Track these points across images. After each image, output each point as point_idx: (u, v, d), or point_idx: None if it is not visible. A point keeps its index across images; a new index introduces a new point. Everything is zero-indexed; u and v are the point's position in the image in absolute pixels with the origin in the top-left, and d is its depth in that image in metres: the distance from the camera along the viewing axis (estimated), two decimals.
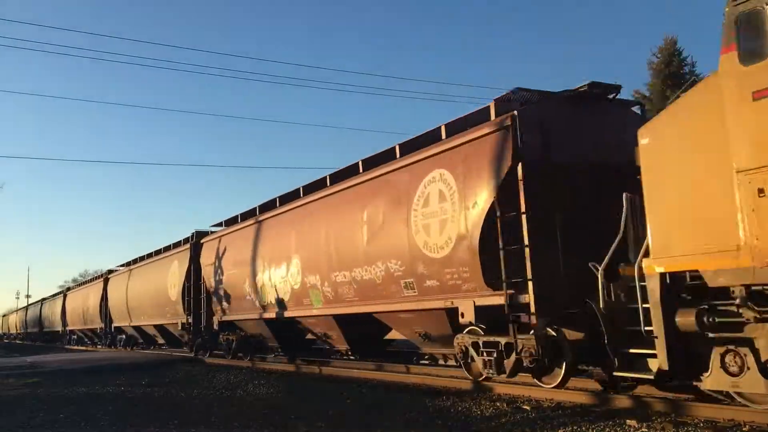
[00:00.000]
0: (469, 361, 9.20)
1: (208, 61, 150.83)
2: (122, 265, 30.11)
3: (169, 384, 12.55)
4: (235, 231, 17.19)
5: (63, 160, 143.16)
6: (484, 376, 9.02)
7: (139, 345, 28.49)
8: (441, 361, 11.87)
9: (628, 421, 6.37)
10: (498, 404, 7.94)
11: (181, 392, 10.98)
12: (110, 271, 31.51)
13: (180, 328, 20.67)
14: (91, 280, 35.66)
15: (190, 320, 19.76)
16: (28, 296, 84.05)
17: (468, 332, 9.12)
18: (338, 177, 12.90)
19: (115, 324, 29.55)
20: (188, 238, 21.01)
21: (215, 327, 18.23)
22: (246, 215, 17.02)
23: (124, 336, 29.13)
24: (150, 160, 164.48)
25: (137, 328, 26.55)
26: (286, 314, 14.23)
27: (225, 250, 17.49)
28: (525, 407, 7.62)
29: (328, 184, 13.13)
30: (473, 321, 8.82)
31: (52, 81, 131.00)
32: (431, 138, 10.14)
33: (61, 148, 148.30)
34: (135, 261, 27.29)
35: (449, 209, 9.17)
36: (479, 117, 9.27)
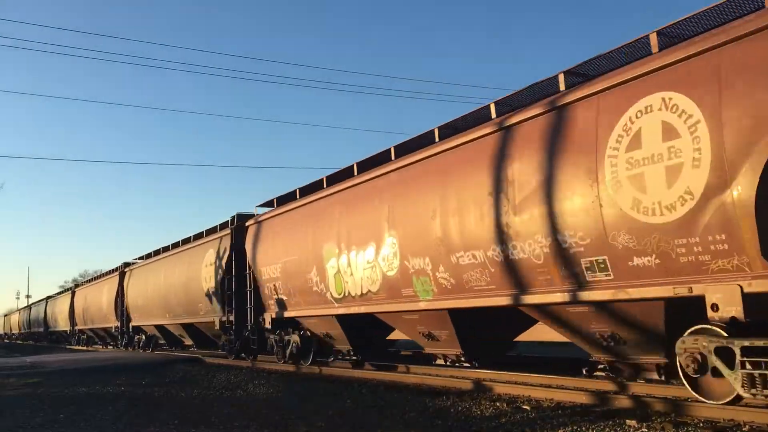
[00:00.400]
0: (705, 374, 6.32)
1: (208, 61, 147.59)
2: (141, 258, 27.15)
3: (170, 384, 12.46)
4: (292, 210, 14.22)
5: (63, 160, 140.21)
6: (741, 400, 6.14)
7: (161, 347, 25.52)
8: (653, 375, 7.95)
9: (628, 421, 6.29)
10: (498, 404, 7.90)
11: (181, 392, 10.93)
12: (127, 264, 28.47)
13: (217, 327, 17.72)
14: (104, 275, 32.50)
15: (232, 318, 16.80)
16: (28, 296, 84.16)
17: (701, 333, 6.27)
18: (453, 129, 9.97)
19: (133, 323, 26.53)
20: (227, 222, 18.06)
21: (267, 325, 15.26)
22: (308, 189, 14.06)
23: (143, 336, 26.15)
24: (150, 160, 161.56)
25: (160, 328, 23.57)
26: (372, 309, 11.31)
27: (279, 232, 14.52)
28: (525, 407, 7.54)
29: (438, 139, 10.18)
30: (739, 315, 5.83)
31: (52, 81, 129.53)
32: (638, 50, 7.20)
33: (61, 148, 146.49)
34: (158, 252, 24.28)
35: (686, 149, 6.20)
36: None
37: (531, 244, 7.92)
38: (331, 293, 12.47)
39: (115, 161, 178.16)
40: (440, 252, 9.45)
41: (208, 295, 18.10)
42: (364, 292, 11.44)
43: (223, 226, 18.29)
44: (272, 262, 14.60)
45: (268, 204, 15.98)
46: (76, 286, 41.08)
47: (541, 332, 10.39)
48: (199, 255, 19.18)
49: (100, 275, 33.80)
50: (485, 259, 8.63)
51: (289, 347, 14.71)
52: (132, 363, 18.06)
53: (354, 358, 13.49)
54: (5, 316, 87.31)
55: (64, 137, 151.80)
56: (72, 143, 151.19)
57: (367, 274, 11.25)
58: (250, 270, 16.01)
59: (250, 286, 16.08)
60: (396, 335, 12.54)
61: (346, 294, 11.97)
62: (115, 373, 15.18)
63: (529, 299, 8.17)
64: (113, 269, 30.50)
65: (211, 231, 19.27)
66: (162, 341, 24.76)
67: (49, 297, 51.15)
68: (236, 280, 16.66)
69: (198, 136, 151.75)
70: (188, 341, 22.43)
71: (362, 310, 11.60)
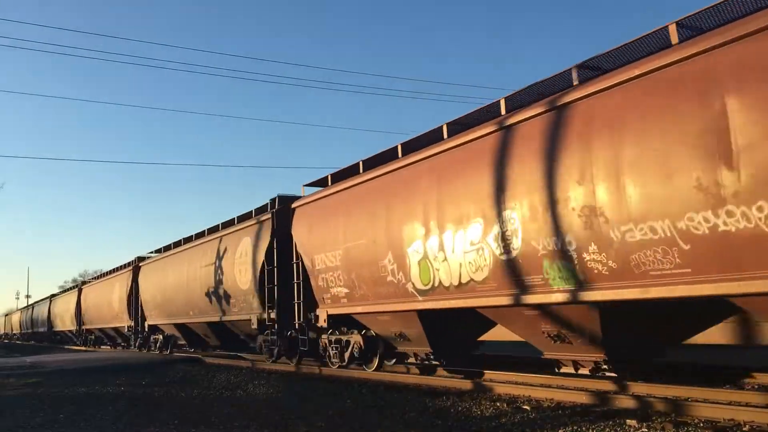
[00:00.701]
0: None
1: (207, 61, 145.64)
2: (157, 251, 24.83)
3: (169, 384, 12.39)
4: (354, 186, 11.94)
5: (63, 160, 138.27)
6: None
7: (180, 347, 23.22)
8: None
9: (628, 421, 6.26)
10: (498, 404, 7.85)
11: (181, 392, 10.89)
12: (141, 258, 26.08)
13: (254, 326, 15.43)
14: (115, 270, 29.91)
15: (273, 315, 14.51)
16: (27, 296, 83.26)
17: None
18: (602, 63, 7.71)
19: (149, 322, 24.13)
20: (266, 205, 15.80)
21: (321, 323, 12.97)
22: (375, 161, 11.80)
23: (160, 336, 23.80)
24: (150, 160, 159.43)
25: (181, 327, 21.27)
26: (477, 302, 9.03)
27: (338, 214, 12.25)
28: (525, 407, 7.48)
29: (576, 81, 7.91)
30: None
31: (53, 81, 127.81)
32: None
33: (61, 148, 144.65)
34: (178, 243, 21.96)
35: None
36: None
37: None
38: (412, 284, 10.19)
39: (115, 161, 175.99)
40: (591, 226, 7.17)
41: (242, 289, 15.82)
42: (463, 281, 9.15)
43: (261, 210, 16.01)
44: (330, 249, 12.31)
45: (320, 183, 13.71)
46: (84, 283, 38.41)
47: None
48: (230, 244, 16.88)
49: (111, 271, 31.23)
50: (676, 232, 6.35)
51: (350, 349, 12.44)
52: (132, 363, 17.88)
53: (432, 362, 11.21)
54: (6, 315, 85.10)
55: (64, 137, 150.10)
56: (72, 143, 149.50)
57: (470, 258, 8.96)
58: (298, 259, 13.74)
59: (298, 278, 13.80)
60: (496, 335, 10.21)
61: (436, 284, 9.69)
62: (115, 373, 15.06)
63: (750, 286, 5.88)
64: (126, 264, 28.12)
65: (245, 217, 16.97)
66: (182, 341, 22.45)
67: (53, 295, 48.66)
68: (279, 272, 14.39)
69: (198, 136, 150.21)
70: (213, 341, 20.13)
71: (460, 304, 9.31)
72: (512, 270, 8.29)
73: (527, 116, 8.25)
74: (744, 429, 5.89)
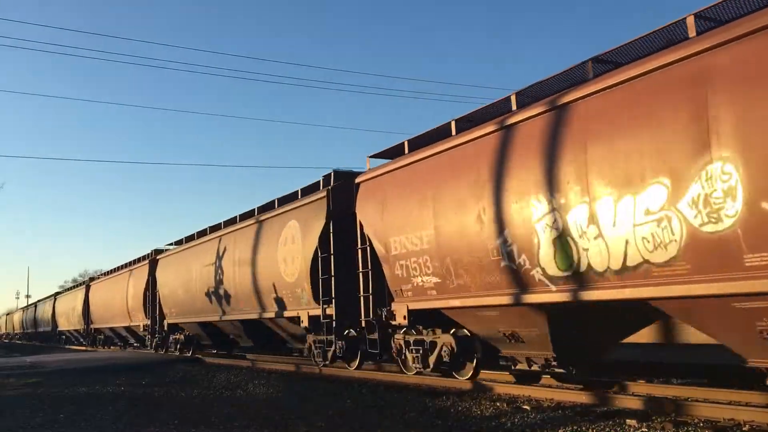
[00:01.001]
0: None
1: (208, 61, 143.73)
2: (177, 242, 22.51)
3: (169, 384, 12.34)
4: (448, 150, 9.60)
5: (63, 160, 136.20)
6: None
7: (203, 348, 20.93)
8: None
9: (628, 420, 6.23)
10: (498, 404, 7.79)
11: (181, 392, 10.83)
12: (158, 251, 23.83)
13: (304, 323, 13.13)
14: (129, 265, 27.40)
15: (330, 311, 12.20)
16: (28, 296, 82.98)
17: None
18: None
19: (169, 320, 21.81)
20: (318, 183, 13.52)
21: (398, 320, 10.61)
22: (478, 117, 9.51)
23: (181, 336, 21.48)
24: (150, 160, 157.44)
25: (206, 326, 18.95)
26: (659, 292, 6.65)
27: (424, 186, 9.93)
28: (525, 407, 7.42)
29: None
30: None
31: (53, 81, 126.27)
32: None
33: (61, 148, 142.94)
34: (203, 233, 19.62)
35: None
36: None
37: None
38: (542, 269, 7.87)
39: (115, 161, 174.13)
40: None
41: (287, 281, 13.54)
42: (630, 263, 6.82)
43: (310, 189, 13.70)
44: (412, 230, 10.01)
45: (392, 152, 11.41)
46: (92, 279, 35.90)
47: None
48: (271, 230, 14.57)
49: (123, 265, 28.67)
50: None
51: (436, 352, 10.12)
52: (132, 363, 17.75)
53: (554, 369, 8.87)
54: (7, 314, 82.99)
55: (64, 137, 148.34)
56: (72, 143, 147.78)
57: (644, 232, 6.63)
58: (365, 243, 11.43)
59: (365, 266, 11.49)
60: (643, 337, 7.86)
61: (582, 269, 7.36)
62: (115, 373, 15.02)
63: None
64: (141, 257, 25.84)
65: (289, 198, 14.66)
66: (206, 342, 20.17)
67: (57, 293, 46.38)
68: (337, 260, 12.08)
69: (198, 136, 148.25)
70: (245, 342, 17.84)
71: (626, 294, 6.93)
72: (724, 246, 5.95)
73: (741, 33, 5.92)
74: (744, 429, 5.85)
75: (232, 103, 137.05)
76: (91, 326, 33.46)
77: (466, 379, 9.80)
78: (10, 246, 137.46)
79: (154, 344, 23.49)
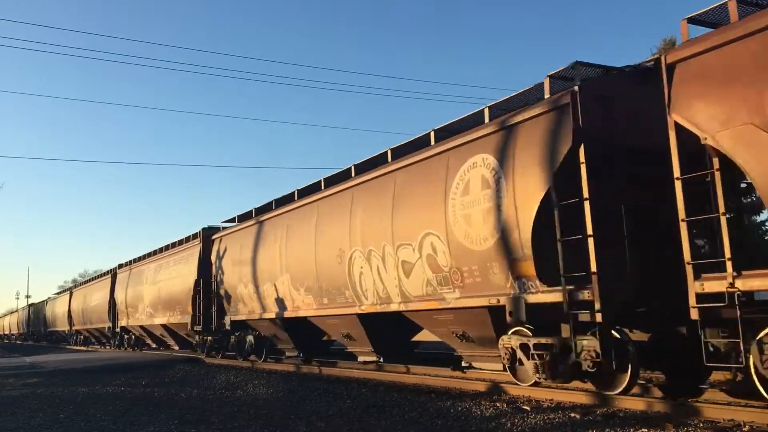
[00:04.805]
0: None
1: (207, 61, 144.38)
2: (243, 216, 17.16)
3: (169, 384, 12.22)
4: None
5: (63, 160, 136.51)
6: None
7: (279, 354, 16.11)
8: None
9: (627, 421, 6.27)
10: (498, 404, 7.77)
11: (181, 392, 10.70)
12: (212, 229, 18.85)
13: (511, 313, 8.20)
14: (170, 247, 21.84)
15: (587, 295, 7.37)
16: (28, 296, 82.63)
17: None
18: None
19: (233, 317, 16.81)
20: (534, 88, 8.77)
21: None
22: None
23: (249, 337, 16.56)
24: (149, 160, 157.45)
25: (291, 323, 14.30)
26: None
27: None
28: (525, 407, 7.43)
29: None
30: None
31: (53, 81, 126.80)
32: None
33: (61, 148, 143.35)
34: (288, 198, 14.76)
35: None
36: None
37: None
38: None
39: (115, 161, 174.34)
40: None
41: (473, 250, 9.04)
42: None
43: (508, 106, 9.27)
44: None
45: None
46: (120, 266, 28.88)
47: None
48: (433, 174, 9.92)
49: (160, 249, 23.03)
50: None
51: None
52: (132, 363, 17.30)
53: None
54: (11, 313, 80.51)
55: (65, 137, 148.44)
56: (72, 143, 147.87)
57: None
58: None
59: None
60: None
61: None
62: (114, 373, 14.83)
63: None
64: (186, 238, 20.50)
65: (465, 125, 10.03)
66: (285, 345, 15.46)
67: (74, 286, 40.98)
68: (595, 213, 7.46)
69: (199, 136, 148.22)
70: (362, 347, 12.70)
71: None
72: None
73: None
74: (744, 429, 5.88)
75: (233, 103, 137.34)
76: (118, 324, 28.21)
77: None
78: (10, 246, 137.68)
79: (206, 347, 19.03)
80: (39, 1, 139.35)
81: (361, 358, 12.89)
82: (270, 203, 15.84)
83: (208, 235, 18.80)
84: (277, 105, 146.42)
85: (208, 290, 18.30)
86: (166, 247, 22.74)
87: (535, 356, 7.84)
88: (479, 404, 7.85)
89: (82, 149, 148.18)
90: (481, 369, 9.86)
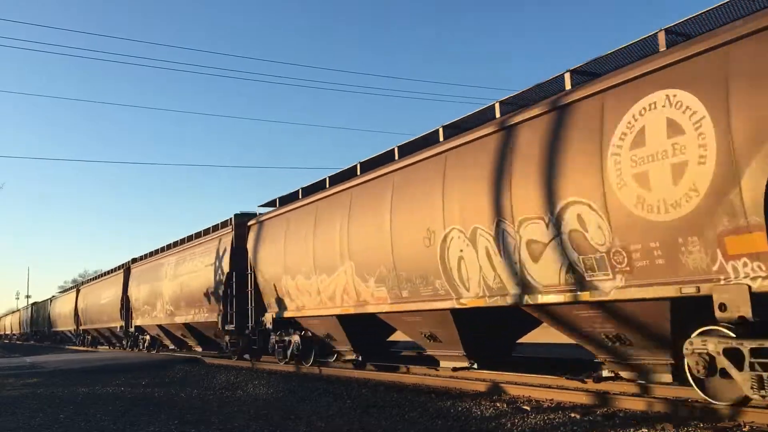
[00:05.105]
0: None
1: (207, 61, 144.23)
2: (285, 198, 14.72)
3: (169, 384, 12.19)
4: None
5: (63, 160, 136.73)
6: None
7: (338, 356, 13.54)
8: None
9: (628, 421, 6.23)
10: (498, 404, 7.76)
11: (181, 392, 10.68)
12: (246, 215, 16.24)
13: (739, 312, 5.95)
14: (193, 238, 19.51)
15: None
16: (28, 296, 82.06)
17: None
18: None
19: (277, 313, 14.23)
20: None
21: None
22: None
23: (294, 336, 14.03)
24: (149, 160, 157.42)
25: (355, 320, 11.90)
26: None
27: None
28: (525, 407, 7.42)
29: None
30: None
31: (52, 81, 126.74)
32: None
33: (61, 148, 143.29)
34: (351, 172, 12.34)
35: None
36: None
37: None
38: None
39: (116, 161, 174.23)
40: None
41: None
42: None
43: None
44: None
45: None
46: (133, 261, 26.68)
47: None
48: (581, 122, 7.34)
49: (181, 241, 20.74)
50: None
51: None
52: (131, 363, 17.24)
53: None
54: (13, 312, 79.81)
55: (65, 137, 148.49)
56: (72, 143, 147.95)
57: None
58: None
59: None
60: None
61: None
62: (114, 374, 14.79)
63: None
64: (214, 227, 18.06)
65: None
66: (342, 347, 13.01)
67: (82, 282, 37.20)
68: None
69: (198, 136, 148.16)
70: (437, 347, 10.58)
71: None
72: None
73: None
74: (744, 429, 5.80)
75: (233, 104, 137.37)
76: (132, 323, 25.46)
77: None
78: (10, 246, 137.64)
79: (239, 349, 16.25)
80: (39, 1, 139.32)
81: (445, 363, 10.50)
82: (322, 181, 13.28)
83: (242, 222, 16.14)
84: (276, 105, 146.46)
85: (242, 284, 15.55)
86: (189, 238, 20.09)
87: (757, 366, 5.67)
88: (479, 404, 7.84)
89: (82, 149, 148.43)
90: (645, 383, 7.65)
